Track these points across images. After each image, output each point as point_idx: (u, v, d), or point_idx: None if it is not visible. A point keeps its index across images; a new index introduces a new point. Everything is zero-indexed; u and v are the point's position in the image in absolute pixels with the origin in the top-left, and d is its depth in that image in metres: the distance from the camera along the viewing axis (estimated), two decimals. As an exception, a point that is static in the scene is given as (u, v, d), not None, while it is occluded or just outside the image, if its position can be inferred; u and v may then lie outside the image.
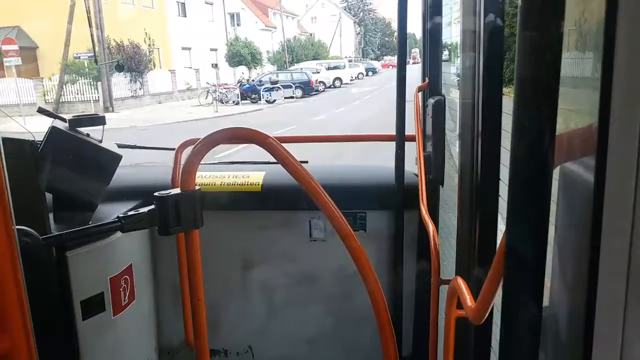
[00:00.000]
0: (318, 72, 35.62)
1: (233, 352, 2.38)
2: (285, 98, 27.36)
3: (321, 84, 34.82)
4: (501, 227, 1.36)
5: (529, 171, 0.62)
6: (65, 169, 1.82)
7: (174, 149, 2.18)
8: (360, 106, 23.56)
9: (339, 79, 39.31)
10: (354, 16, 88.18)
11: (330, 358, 2.34)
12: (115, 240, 1.82)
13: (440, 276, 1.65)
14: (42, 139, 1.82)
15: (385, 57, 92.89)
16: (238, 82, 29.89)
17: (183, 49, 36.08)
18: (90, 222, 1.86)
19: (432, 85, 2.10)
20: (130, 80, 27.08)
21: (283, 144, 1.19)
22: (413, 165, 2.13)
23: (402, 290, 2.18)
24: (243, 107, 24.84)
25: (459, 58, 1.50)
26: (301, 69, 36.70)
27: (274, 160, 1.23)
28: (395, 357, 1.23)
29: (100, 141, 1.94)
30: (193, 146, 1.15)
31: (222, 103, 25.84)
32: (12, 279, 0.61)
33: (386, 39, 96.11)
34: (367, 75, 56.03)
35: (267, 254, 2.31)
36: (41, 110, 1.98)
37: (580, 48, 0.56)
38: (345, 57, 70.56)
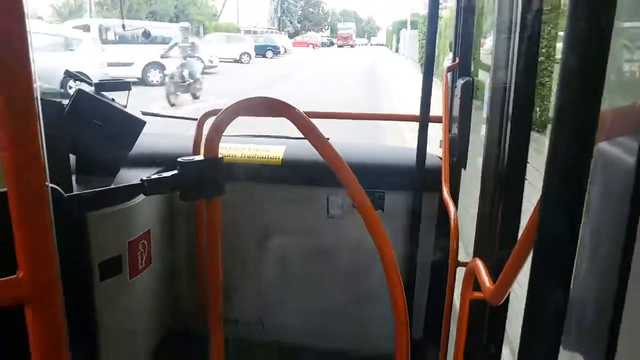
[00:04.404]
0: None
1: (244, 322, 2.40)
2: None
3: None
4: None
5: (568, 151, 0.61)
6: (90, 131, 1.84)
7: (197, 119, 2.18)
8: None
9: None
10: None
11: (339, 334, 2.35)
12: (135, 205, 1.85)
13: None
14: (68, 101, 1.84)
15: (308, 33, 70.48)
16: None
17: None
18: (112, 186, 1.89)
19: (462, 66, 2.15)
20: None
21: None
22: (432, 147, 2.15)
23: (416, 271, 2.20)
24: None
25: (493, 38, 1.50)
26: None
27: (295, 136, 1.30)
28: (406, 335, 1.24)
29: (125, 106, 1.96)
30: (217, 115, 1.17)
31: None
32: (44, 230, 0.66)
33: (310, 9, 74.21)
34: (264, 56, 34.42)
35: (283, 228, 2.32)
36: (67, 73, 2.01)
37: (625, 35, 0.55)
38: (252, 26, 49.26)
